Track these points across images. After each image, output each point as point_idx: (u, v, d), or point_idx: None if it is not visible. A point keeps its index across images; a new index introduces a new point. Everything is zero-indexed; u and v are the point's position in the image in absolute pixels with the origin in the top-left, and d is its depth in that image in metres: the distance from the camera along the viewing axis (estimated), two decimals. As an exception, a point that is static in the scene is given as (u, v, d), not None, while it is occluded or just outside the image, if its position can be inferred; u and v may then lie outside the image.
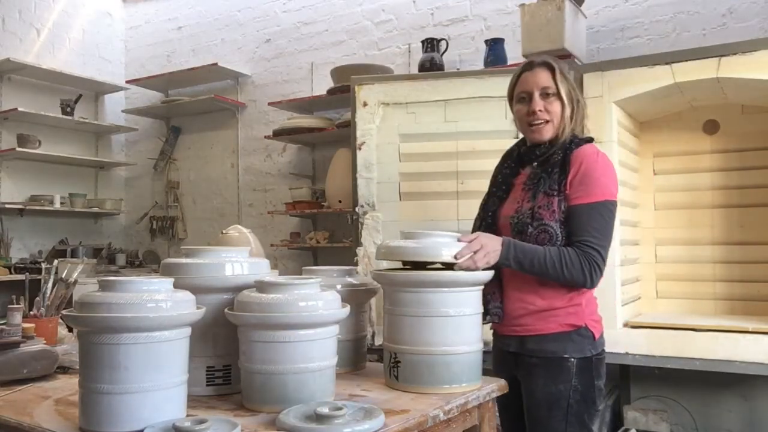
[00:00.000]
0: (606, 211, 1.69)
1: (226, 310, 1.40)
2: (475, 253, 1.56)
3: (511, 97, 1.87)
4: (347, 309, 1.43)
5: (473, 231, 1.81)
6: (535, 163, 1.79)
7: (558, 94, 1.75)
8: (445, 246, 1.57)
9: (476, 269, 1.57)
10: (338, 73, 4.01)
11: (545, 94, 1.77)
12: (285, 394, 1.33)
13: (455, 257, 1.54)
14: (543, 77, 1.77)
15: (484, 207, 1.89)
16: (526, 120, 1.80)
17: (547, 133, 1.77)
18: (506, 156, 1.94)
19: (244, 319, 1.37)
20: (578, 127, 1.79)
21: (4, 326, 1.72)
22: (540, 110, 1.76)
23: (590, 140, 1.79)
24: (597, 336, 1.75)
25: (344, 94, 3.78)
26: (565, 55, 3.08)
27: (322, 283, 1.46)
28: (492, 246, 1.61)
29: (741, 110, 3.05)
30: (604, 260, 1.68)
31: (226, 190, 5.03)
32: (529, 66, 1.81)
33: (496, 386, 1.60)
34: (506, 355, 1.82)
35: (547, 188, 1.71)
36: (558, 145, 1.75)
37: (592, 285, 1.68)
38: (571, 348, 1.71)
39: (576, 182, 1.69)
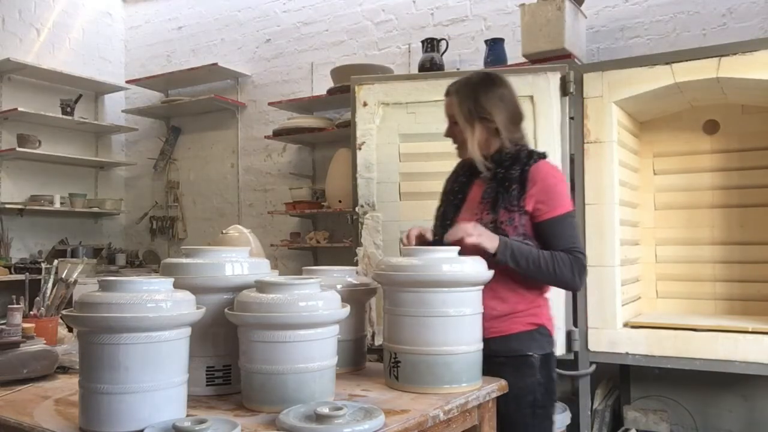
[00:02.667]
0: (573, 220, 1.85)
1: (226, 310, 1.40)
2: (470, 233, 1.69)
3: None
4: (347, 309, 1.43)
5: (433, 238, 1.91)
6: (484, 174, 1.89)
7: (456, 122, 1.91)
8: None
9: (463, 243, 1.67)
10: (338, 73, 4.01)
11: (452, 122, 1.94)
12: (285, 394, 1.33)
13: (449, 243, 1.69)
14: (448, 106, 1.94)
15: (443, 215, 1.98)
16: None
17: (463, 154, 1.94)
18: (459, 168, 2.05)
19: (244, 319, 1.37)
20: (514, 134, 1.88)
21: (4, 326, 1.72)
22: (448, 137, 1.96)
23: (544, 156, 1.89)
24: (552, 334, 1.91)
25: (344, 94, 3.78)
26: (565, 55, 3.08)
27: (322, 283, 1.46)
28: (488, 234, 1.73)
29: (741, 110, 3.05)
30: (586, 264, 1.81)
31: (226, 190, 5.03)
32: (446, 92, 1.97)
33: (496, 386, 1.61)
34: None
35: (507, 204, 1.80)
36: (510, 160, 1.84)
37: (580, 286, 1.83)
38: (534, 346, 1.82)
39: (540, 198, 1.79)
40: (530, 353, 1.81)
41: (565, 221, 1.80)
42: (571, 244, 1.79)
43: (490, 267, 1.66)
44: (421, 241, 1.86)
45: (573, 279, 1.77)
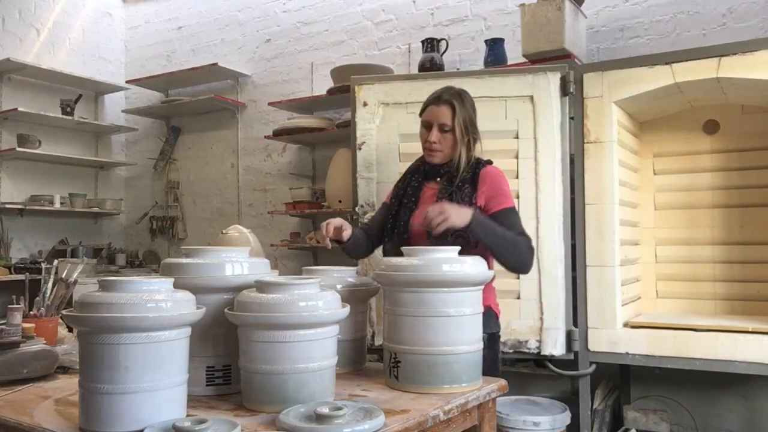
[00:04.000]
0: (517, 213, 2.07)
1: (226, 310, 1.40)
2: (442, 211, 1.82)
3: (421, 116, 2.16)
4: (347, 309, 1.43)
5: (385, 241, 2.13)
6: (439, 178, 2.11)
7: (452, 131, 2.06)
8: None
9: (442, 226, 1.80)
10: (338, 73, 4.01)
11: (443, 129, 2.07)
12: (285, 394, 1.33)
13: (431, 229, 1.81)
14: (443, 114, 2.07)
15: (395, 217, 2.12)
16: (424, 144, 2.12)
17: (437, 159, 2.10)
18: (411, 171, 2.21)
19: (244, 319, 1.37)
20: (474, 149, 2.12)
21: (4, 326, 1.72)
22: (435, 142, 2.07)
23: (490, 162, 2.14)
24: (498, 316, 2.12)
25: (344, 94, 3.78)
26: (565, 55, 3.08)
27: (322, 283, 1.46)
28: (456, 210, 1.85)
29: (741, 110, 3.05)
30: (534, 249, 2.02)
31: (226, 190, 5.03)
32: (436, 100, 2.10)
33: (496, 386, 1.61)
34: None
35: (459, 200, 1.99)
36: (463, 166, 2.07)
37: (528, 268, 2.00)
38: (483, 325, 1.86)
39: (490, 195, 2.03)
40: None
41: (512, 212, 2.03)
42: (521, 229, 2.00)
43: (454, 244, 1.78)
44: (338, 234, 2.00)
45: (529, 258, 1.97)
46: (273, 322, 1.34)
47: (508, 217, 2.00)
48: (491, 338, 2.02)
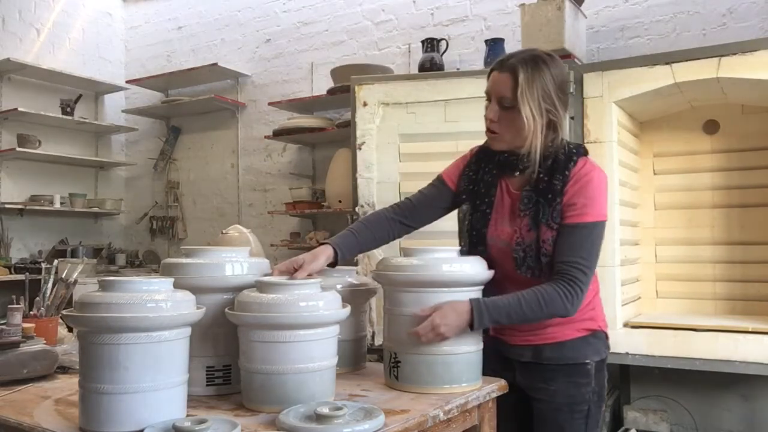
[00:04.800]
0: (598, 232, 1.58)
1: (226, 310, 1.40)
2: (434, 327, 1.47)
3: None
4: (348, 309, 1.43)
5: (461, 244, 1.71)
6: (518, 173, 1.64)
7: (515, 107, 1.55)
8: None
9: (435, 341, 1.48)
10: (338, 73, 4.01)
11: (502, 105, 1.59)
12: (285, 394, 1.33)
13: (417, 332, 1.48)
14: (503, 84, 1.58)
15: (470, 227, 1.69)
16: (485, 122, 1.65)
17: (498, 145, 1.64)
18: (484, 156, 1.73)
19: (244, 319, 1.36)
20: (561, 132, 1.61)
21: (4, 326, 1.72)
22: (492, 120, 1.61)
23: (585, 152, 1.64)
24: (608, 337, 1.76)
25: (344, 94, 3.78)
26: (565, 56, 3.08)
27: (322, 283, 1.45)
28: (453, 321, 1.48)
29: (741, 110, 3.05)
30: (587, 283, 1.56)
31: (226, 190, 5.03)
32: (498, 65, 1.62)
33: (496, 386, 1.60)
34: (510, 363, 1.73)
35: (549, 219, 1.57)
36: (539, 159, 1.58)
37: (572, 313, 1.56)
38: (590, 352, 1.68)
39: (570, 203, 1.56)
40: (586, 361, 1.67)
41: (586, 230, 1.55)
42: (577, 256, 1.54)
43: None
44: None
45: (564, 311, 1.55)
46: (273, 322, 1.33)
47: (571, 236, 1.55)
48: (599, 366, 1.69)
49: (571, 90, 2.89)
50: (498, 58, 1.66)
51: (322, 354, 1.37)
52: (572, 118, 2.92)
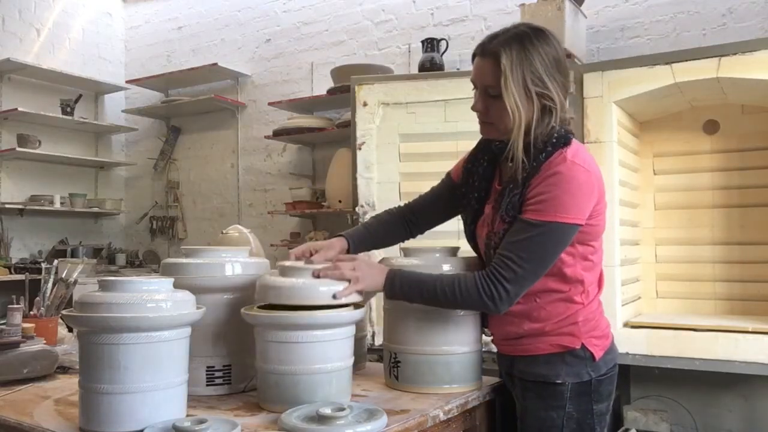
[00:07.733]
0: (552, 234, 1.37)
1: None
2: (351, 282, 1.41)
3: None
4: (362, 311, 1.43)
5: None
6: (511, 163, 1.45)
7: (500, 96, 1.40)
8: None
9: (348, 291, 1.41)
10: (338, 73, 4.01)
11: (487, 93, 1.44)
12: (297, 395, 1.33)
13: (334, 296, 1.38)
14: (487, 71, 1.42)
15: (464, 220, 1.62)
16: None
17: (491, 134, 1.50)
18: (483, 147, 1.59)
19: (260, 319, 1.37)
20: (556, 117, 1.44)
21: (4, 326, 1.72)
22: (479, 110, 1.48)
23: (564, 144, 1.42)
24: (599, 356, 1.47)
25: (344, 94, 3.78)
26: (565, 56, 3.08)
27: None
28: (367, 272, 1.43)
29: (741, 110, 3.05)
30: (515, 283, 1.37)
31: (226, 190, 5.03)
32: (480, 49, 1.45)
33: (496, 386, 1.60)
34: (504, 374, 1.63)
35: (503, 211, 1.43)
36: (520, 150, 1.41)
37: (497, 311, 1.40)
38: (564, 371, 1.45)
39: (530, 196, 1.39)
40: (558, 381, 1.45)
41: (531, 229, 1.37)
42: (510, 252, 1.37)
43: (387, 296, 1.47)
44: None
45: (484, 306, 1.39)
46: (287, 323, 1.33)
47: (520, 232, 1.38)
48: (578, 389, 1.45)
49: (571, 90, 2.89)
50: (481, 41, 1.47)
51: (338, 355, 1.37)
52: (572, 118, 2.91)
